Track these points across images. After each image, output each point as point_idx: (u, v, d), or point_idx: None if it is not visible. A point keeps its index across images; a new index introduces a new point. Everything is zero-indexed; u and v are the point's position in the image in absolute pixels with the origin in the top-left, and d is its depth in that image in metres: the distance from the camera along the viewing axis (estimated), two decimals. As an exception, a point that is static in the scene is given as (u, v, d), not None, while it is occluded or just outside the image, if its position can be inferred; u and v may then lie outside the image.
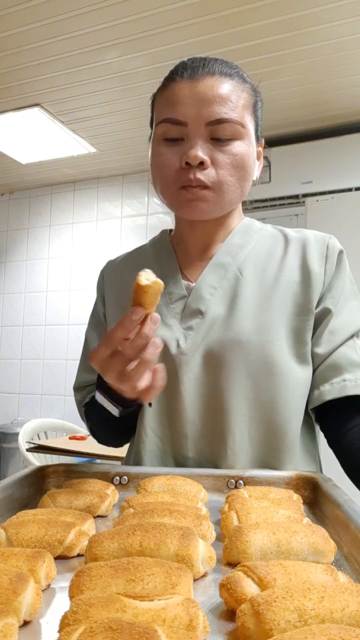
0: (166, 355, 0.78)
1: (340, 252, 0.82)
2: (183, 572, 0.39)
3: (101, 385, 0.72)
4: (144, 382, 0.60)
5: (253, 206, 2.99)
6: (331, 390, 0.75)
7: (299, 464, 0.78)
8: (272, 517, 0.53)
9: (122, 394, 0.65)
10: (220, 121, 0.73)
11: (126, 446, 0.92)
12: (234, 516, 0.54)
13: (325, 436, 0.79)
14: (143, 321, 0.57)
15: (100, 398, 0.73)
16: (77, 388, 0.93)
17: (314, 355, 0.78)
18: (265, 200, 2.98)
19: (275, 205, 2.99)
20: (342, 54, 2.25)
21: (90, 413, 0.88)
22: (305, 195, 2.88)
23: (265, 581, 0.38)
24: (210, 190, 0.74)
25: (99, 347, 0.59)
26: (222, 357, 0.76)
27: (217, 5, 1.95)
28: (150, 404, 0.79)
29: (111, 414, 0.74)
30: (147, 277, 0.55)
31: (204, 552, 0.46)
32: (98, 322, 0.93)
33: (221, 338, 0.76)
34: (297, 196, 2.92)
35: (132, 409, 0.77)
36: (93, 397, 0.86)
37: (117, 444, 0.91)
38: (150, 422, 0.80)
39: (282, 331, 0.76)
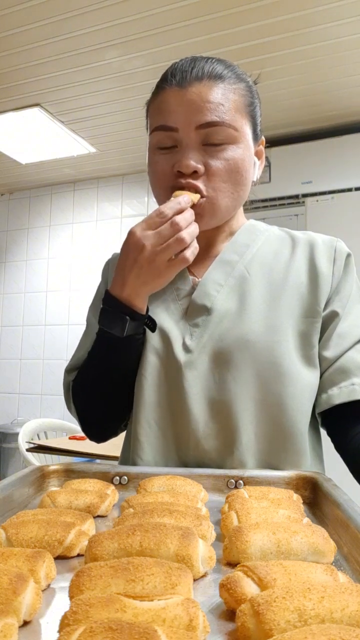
0: (170, 351, 0.78)
1: (348, 255, 0.82)
2: (183, 572, 0.39)
3: (107, 301, 0.75)
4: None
5: (253, 206, 2.98)
6: (340, 394, 0.75)
7: (305, 465, 0.77)
8: (272, 517, 0.53)
9: (143, 293, 0.72)
10: (211, 124, 0.72)
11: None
12: (234, 516, 0.54)
13: (332, 441, 0.78)
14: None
15: (105, 317, 0.74)
16: (70, 370, 0.89)
17: (321, 359, 0.77)
18: (265, 200, 2.98)
19: (275, 205, 3.00)
20: (342, 54, 2.26)
21: (82, 374, 0.84)
22: (305, 195, 2.88)
23: (265, 581, 0.38)
24: (204, 200, 0.74)
25: (148, 219, 0.70)
26: (229, 355, 0.75)
27: (217, 5, 1.95)
28: (153, 329, 0.78)
29: (112, 348, 0.76)
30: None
31: (204, 552, 0.46)
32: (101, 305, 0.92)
33: (229, 336, 0.76)
34: (297, 196, 2.92)
35: (138, 338, 0.77)
36: (83, 366, 0.85)
37: (107, 425, 0.88)
38: (152, 413, 0.79)
39: (289, 332, 0.76)
